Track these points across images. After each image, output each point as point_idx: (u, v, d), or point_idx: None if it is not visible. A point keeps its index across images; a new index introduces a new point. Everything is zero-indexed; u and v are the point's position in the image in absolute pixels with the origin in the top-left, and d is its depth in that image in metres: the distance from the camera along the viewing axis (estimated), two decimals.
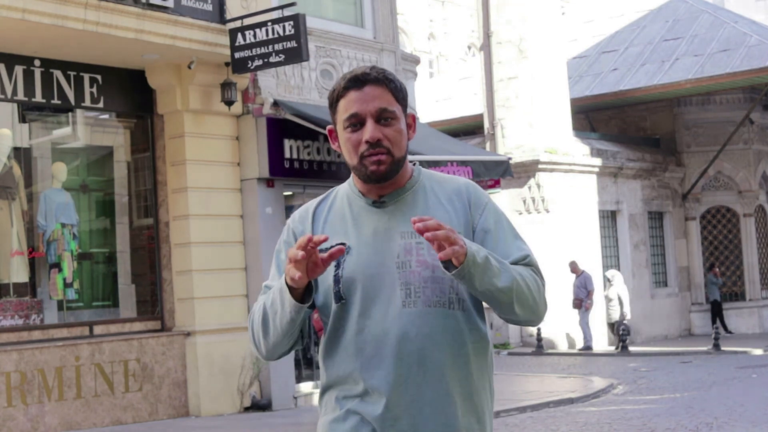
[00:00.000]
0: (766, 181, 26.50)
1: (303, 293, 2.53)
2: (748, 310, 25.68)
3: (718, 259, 25.77)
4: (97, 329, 12.01)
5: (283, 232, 2.79)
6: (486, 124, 23.26)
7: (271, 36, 11.96)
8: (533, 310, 2.61)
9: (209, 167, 12.75)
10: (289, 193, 13.71)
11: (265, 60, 12.03)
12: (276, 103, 13.10)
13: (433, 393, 2.58)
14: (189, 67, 12.23)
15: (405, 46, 37.15)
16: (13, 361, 10.86)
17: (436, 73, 42.96)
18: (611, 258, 23.78)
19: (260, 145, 13.01)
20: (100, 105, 12.35)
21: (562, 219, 22.15)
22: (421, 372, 2.57)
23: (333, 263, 2.55)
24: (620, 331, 21.33)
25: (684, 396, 13.47)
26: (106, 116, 13.25)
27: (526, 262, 2.64)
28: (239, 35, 12.09)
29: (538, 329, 21.41)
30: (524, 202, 22.30)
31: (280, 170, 13.09)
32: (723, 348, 20.28)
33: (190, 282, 12.51)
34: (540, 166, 22.09)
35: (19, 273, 11.73)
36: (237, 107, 12.88)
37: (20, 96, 11.44)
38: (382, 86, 2.62)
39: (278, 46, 11.95)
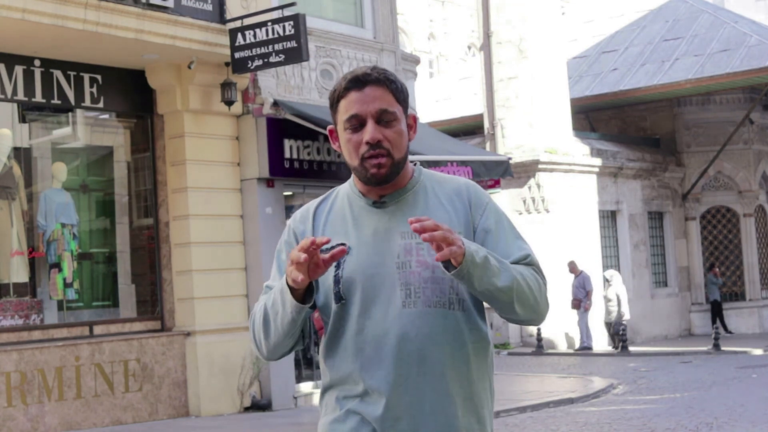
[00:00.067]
0: (766, 181, 26.50)
1: (304, 294, 2.53)
2: (748, 310, 25.68)
3: (718, 259, 25.77)
4: (97, 329, 12.01)
5: (284, 233, 2.79)
6: (486, 124, 23.26)
7: (271, 36, 11.96)
8: (534, 310, 2.60)
9: (209, 167, 12.75)
10: (289, 193, 13.71)
11: (265, 60, 12.04)
12: (276, 103, 13.10)
13: (433, 393, 2.58)
14: (189, 67, 12.23)
15: (405, 46, 37.15)
16: (13, 361, 10.86)
17: (436, 73, 42.97)
18: (611, 258, 23.78)
19: (260, 145, 13.01)
20: (100, 105, 12.35)
21: (562, 219, 22.15)
22: (421, 372, 2.57)
23: (329, 267, 2.55)
24: (620, 331, 21.34)
25: (684, 396, 13.47)
26: (106, 116, 13.25)
27: (527, 261, 2.64)
28: (239, 35, 12.09)
29: (538, 329, 21.42)
30: (524, 202, 22.30)
31: (280, 170, 13.09)
32: (723, 348, 20.29)
33: (190, 282, 12.51)
34: (540, 166, 22.09)
35: (19, 273, 11.73)
36: (237, 107, 12.88)
37: (20, 96, 11.44)
38: (383, 87, 2.62)
39: (278, 46, 11.95)
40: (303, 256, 2.41)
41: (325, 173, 13.58)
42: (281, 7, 12.38)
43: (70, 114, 12.79)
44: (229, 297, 12.76)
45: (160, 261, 12.74)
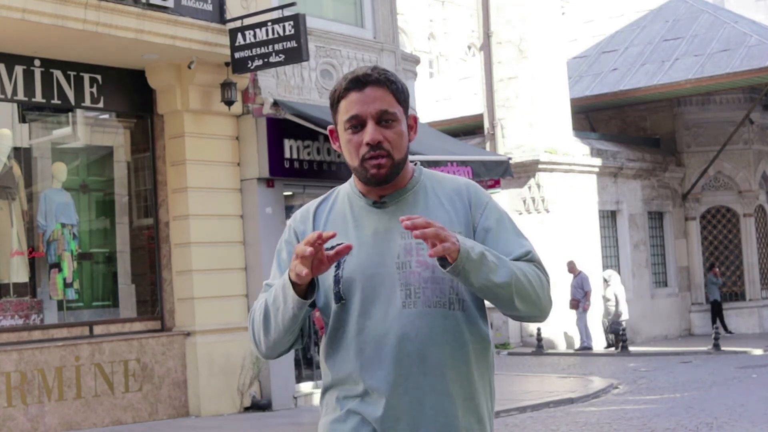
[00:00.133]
0: (766, 181, 26.50)
1: (306, 289, 2.53)
2: (748, 310, 25.68)
3: (718, 259, 25.77)
4: (97, 329, 12.01)
5: (285, 232, 2.80)
6: (486, 124, 23.26)
7: (271, 36, 11.96)
8: (536, 305, 2.59)
9: (209, 167, 12.75)
10: (289, 193, 13.71)
11: (265, 60, 12.04)
12: (276, 103, 13.10)
13: (433, 393, 2.58)
14: (189, 67, 12.23)
15: (405, 46, 37.15)
16: (13, 361, 10.86)
17: (436, 73, 42.97)
18: (611, 258, 23.78)
19: (260, 145, 13.01)
20: (100, 105, 12.35)
21: (562, 219, 22.15)
22: (421, 372, 2.57)
23: (333, 264, 2.55)
24: (619, 331, 21.36)
25: (684, 396, 13.47)
26: (106, 116, 13.25)
27: (529, 258, 2.63)
28: (239, 35, 12.09)
29: (538, 329, 21.43)
30: (524, 202, 22.31)
31: (280, 170, 13.09)
32: (723, 348, 20.29)
33: (190, 282, 12.51)
34: (540, 166, 22.09)
35: (19, 273, 11.73)
36: (237, 107, 12.88)
37: (20, 96, 11.44)
38: (384, 87, 2.62)
39: (278, 46, 11.95)
40: (309, 249, 2.41)
41: (325, 173, 13.58)
42: (281, 7, 12.38)
43: (70, 114, 12.79)
44: (229, 297, 12.76)
45: (160, 261, 12.74)
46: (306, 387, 13.45)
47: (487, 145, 22.85)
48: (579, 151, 23.11)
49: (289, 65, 12.79)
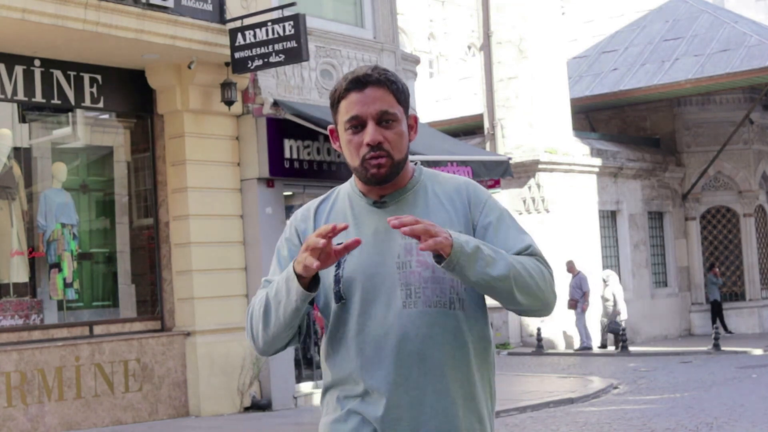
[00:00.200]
0: (766, 181, 26.50)
1: (309, 282, 2.52)
2: (748, 310, 25.68)
3: (718, 259, 25.77)
4: (97, 329, 12.01)
5: (286, 230, 2.80)
6: (486, 124, 23.26)
7: (271, 36, 11.96)
8: (538, 298, 2.58)
9: (209, 167, 12.75)
10: (289, 193, 13.71)
11: (265, 60, 12.04)
12: (276, 103, 13.10)
13: (433, 393, 2.58)
14: (189, 67, 12.23)
15: (405, 46, 37.15)
16: (13, 361, 10.86)
17: (436, 73, 42.97)
18: (611, 258, 23.78)
19: (260, 145, 13.01)
20: (100, 105, 12.35)
21: (562, 219, 22.15)
22: (422, 372, 2.57)
23: (340, 258, 2.54)
24: (620, 332, 21.37)
25: (684, 396, 13.47)
26: (106, 116, 13.25)
27: (530, 252, 2.62)
28: (239, 35, 12.09)
29: (538, 329, 21.43)
30: (524, 202, 22.31)
31: (280, 170, 13.09)
32: (723, 348, 20.28)
33: (190, 282, 12.51)
34: (540, 166, 22.09)
35: (19, 273, 11.73)
36: (237, 107, 12.88)
37: (20, 96, 11.44)
38: (384, 88, 2.62)
39: (278, 46, 11.95)
40: (322, 241, 2.40)
41: (325, 173, 13.58)
42: (281, 7, 12.38)
43: (70, 114, 12.78)
44: (229, 297, 12.76)
45: (160, 261, 12.74)
46: (306, 387, 13.45)
47: (487, 145, 22.85)
48: (579, 151, 23.11)
49: (289, 65, 12.79)
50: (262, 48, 11.99)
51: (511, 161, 16.00)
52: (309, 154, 13.43)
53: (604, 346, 21.83)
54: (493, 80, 22.90)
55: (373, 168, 2.59)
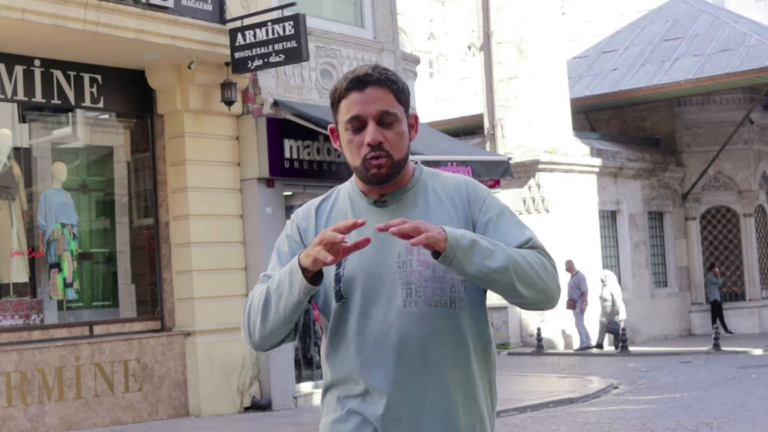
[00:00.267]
0: (766, 181, 26.50)
1: (311, 277, 2.51)
2: (748, 310, 25.68)
3: (718, 259, 25.77)
4: (97, 329, 12.01)
5: (287, 227, 2.79)
6: (486, 124, 23.26)
7: (271, 36, 11.96)
8: (541, 290, 2.56)
9: (209, 167, 12.75)
10: (289, 193, 13.71)
11: (265, 60, 12.04)
12: (276, 103, 13.10)
13: (434, 393, 2.58)
14: (189, 67, 12.23)
15: (405, 46, 37.15)
16: (13, 361, 10.85)
17: (436, 73, 42.97)
18: (611, 258, 23.78)
19: (260, 145, 13.01)
20: (100, 105, 12.35)
21: (562, 219, 22.15)
22: (422, 372, 2.57)
23: (348, 255, 2.53)
24: (619, 332, 21.37)
25: (684, 396, 13.47)
26: (106, 116, 13.25)
27: (531, 245, 2.61)
28: (239, 35, 12.09)
29: (538, 329, 21.44)
30: (524, 202, 22.30)
31: (280, 170, 13.09)
32: (723, 348, 20.29)
33: (190, 282, 12.51)
34: (540, 166, 22.09)
35: (19, 273, 11.73)
36: (237, 107, 12.88)
37: (20, 96, 11.44)
38: (384, 87, 2.61)
39: (278, 46, 11.95)
40: (340, 236, 2.40)
41: (325, 173, 13.58)
42: (281, 7, 12.38)
43: (70, 114, 12.78)
44: (229, 297, 12.76)
45: (160, 261, 12.74)
46: (306, 387, 13.45)
47: (487, 145, 22.85)
48: (579, 151, 23.11)
49: (289, 65, 12.79)
50: (262, 48, 11.99)
51: (511, 161, 16.00)
52: (309, 154, 13.43)
53: (600, 346, 21.81)
54: (493, 80, 22.90)
55: (374, 168, 2.59)
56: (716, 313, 24.85)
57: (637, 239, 24.47)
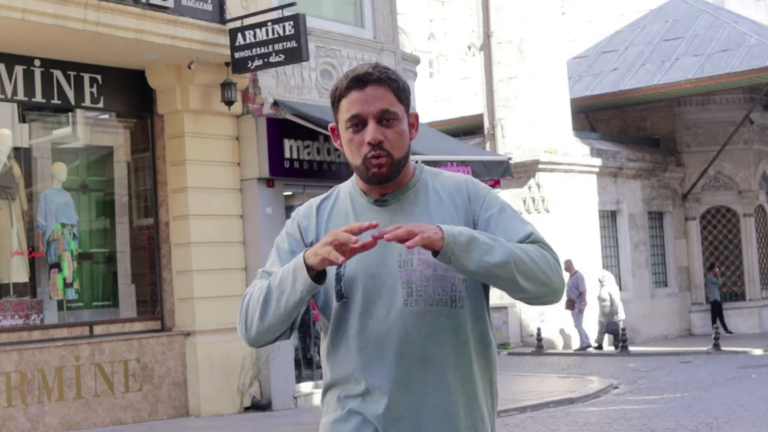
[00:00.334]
0: (766, 181, 26.50)
1: (314, 275, 2.50)
2: (748, 310, 25.68)
3: (718, 259, 25.77)
4: (97, 329, 12.01)
5: (287, 225, 2.79)
6: (486, 124, 23.26)
7: (271, 36, 11.96)
8: (544, 283, 2.55)
9: (209, 167, 12.75)
10: (289, 193, 13.71)
11: (265, 60, 12.03)
12: (276, 103, 13.10)
13: (435, 392, 2.57)
14: (189, 67, 12.23)
15: (405, 46, 37.14)
16: (13, 361, 10.85)
17: (436, 73, 42.97)
18: (611, 258, 23.78)
19: (260, 145, 13.01)
20: (100, 105, 12.35)
21: (562, 219, 22.15)
22: (423, 371, 2.57)
23: (353, 255, 2.53)
24: (619, 332, 21.37)
25: (684, 396, 13.46)
26: (106, 116, 13.24)
27: (532, 239, 2.61)
28: (239, 35, 12.09)
29: (538, 329, 21.44)
30: (524, 202, 22.30)
31: (280, 170, 13.09)
32: (723, 348, 20.28)
33: (190, 282, 12.51)
34: (540, 166, 22.09)
35: (19, 273, 11.73)
36: (237, 107, 12.88)
37: (20, 96, 11.44)
38: (385, 86, 2.61)
39: (278, 46, 11.95)
40: (354, 237, 2.40)
41: (325, 173, 13.58)
42: (281, 7, 12.38)
43: (70, 114, 12.78)
44: (229, 297, 12.75)
45: (160, 261, 12.74)
46: (306, 387, 13.45)
47: (487, 145, 22.85)
48: (579, 151, 23.10)
49: (289, 65, 12.79)
50: (262, 48, 11.99)
51: (511, 161, 16.00)
52: (309, 154, 13.43)
53: (599, 346, 21.80)
54: (493, 80, 22.90)
55: (374, 167, 2.59)
56: (716, 313, 24.85)
57: (637, 239, 24.47)
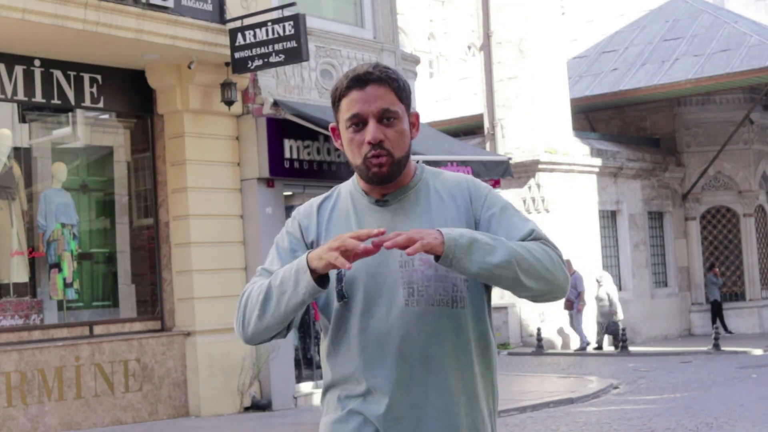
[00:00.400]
0: (766, 181, 26.50)
1: (316, 278, 2.50)
2: (748, 310, 25.68)
3: (718, 259, 25.77)
4: (97, 329, 12.01)
5: (288, 223, 2.78)
6: (486, 124, 23.26)
7: (271, 36, 11.96)
8: (548, 280, 2.54)
9: (209, 167, 12.75)
10: (289, 193, 13.71)
11: (265, 60, 12.03)
12: (276, 103, 13.10)
13: (436, 393, 2.57)
14: (189, 67, 12.23)
15: (405, 46, 37.15)
16: (13, 361, 10.85)
17: (436, 73, 42.97)
18: (611, 258, 23.78)
19: (260, 145, 13.01)
20: (100, 105, 12.35)
21: (562, 219, 22.14)
22: (424, 371, 2.57)
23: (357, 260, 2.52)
24: (619, 332, 21.36)
25: (684, 396, 13.46)
26: (106, 116, 13.24)
27: (533, 236, 2.60)
28: (239, 35, 12.09)
29: (538, 329, 21.44)
30: (524, 202, 22.30)
31: (280, 170, 13.09)
32: (723, 348, 20.28)
33: (190, 282, 12.51)
34: (540, 166, 22.09)
35: (19, 273, 11.73)
36: (237, 107, 12.88)
37: (20, 96, 11.44)
38: (385, 86, 2.61)
39: (278, 46, 11.95)
40: (362, 245, 2.40)
41: (325, 173, 13.58)
42: (281, 7, 12.38)
43: (70, 114, 12.78)
44: (229, 297, 12.74)
45: (160, 261, 12.74)
46: (306, 387, 13.45)
47: (487, 145, 22.84)
48: (579, 151, 23.10)
49: (289, 65, 12.79)
50: (262, 48, 11.99)
51: (511, 161, 15.99)
52: (309, 154, 13.43)
53: (599, 347, 21.78)
54: (493, 80, 22.90)
55: (375, 167, 2.59)
56: (716, 313, 24.85)
57: (637, 239, 24.47)
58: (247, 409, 12.76)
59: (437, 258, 2.46)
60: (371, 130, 2.58)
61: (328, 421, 2.66)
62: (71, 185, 12.62)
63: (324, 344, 2.71)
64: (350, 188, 2.74)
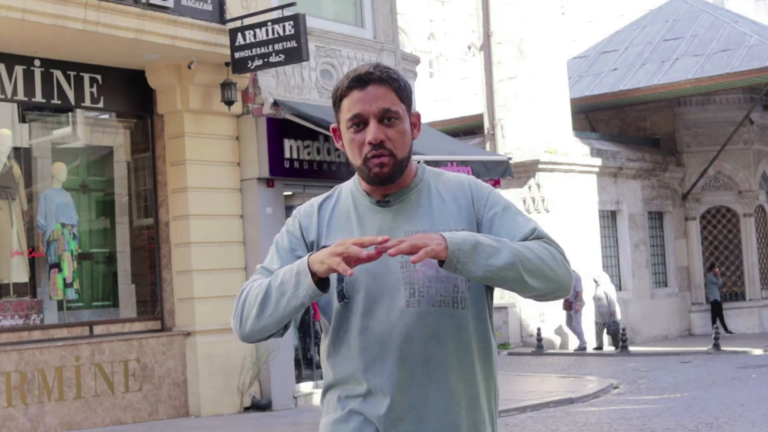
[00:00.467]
0: (766, 181, 26.50)
1: (317, 281, 2.50)
2: (748, 310, 25.68)
3: (718, 259, 25.77)
4: (97, 329, 12.01)
5: (288, 222, 2.78)
6: (486, 124, 23.26)
7: (271, 36, 11.95)
8: (552, 280, 2.54)
9: (209, 167, 12.75)
10: (289, 193, 13.71)
11: (265, 60, 12.03)
12: (276, 103, 13.10)
13: (437, 393, 2.57)
14: (189, 67, 12.23)
15: (405, 46, 37.15)
16: (13, 361, 10.85)
17: (436, 73, 42.97)
18: (611, 258, 23.78)
19: (260, 145, 13.01)
20: (100, 105, 12.35)
21: (562, 219, 22.14)
22: (425, 372, 2.56)
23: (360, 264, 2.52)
24: (619, 332, 21.36)
25: (684, 396, 13.46)
26: (106, 116, 13.24)
27: (535, 235, 2.60)
28: (239, 35, 12.09)
29: (538, 329, 21.44)
30: (524, 202, 22.30)
31: (280, 170, 13.09)
32: (723, 348, 20.28)
33: (190, 282, 12.51)
34: (540, 166, 22.09)
35: (19, 273, 11.73)
36: (237, 107, 12.88)
37: (20, 96, 11.44)
38: (386, 86, 2.61)
39: (278, 46, 11.95)
40: (365, 253, 2.40)
41: (325, 173, 13.58)
42: (281, 7, 12.38)
43: (70, 114, 12.78)
44: (229, 297, 12.73)
45: (160, 261, 12.74)
46: (306, 387, 13.45)
47: (487, 145, 22.84)
48: (579, 151, 23.10)
49: (289, 65, 12.78)
50: (262, 48, 11.98)
51: (511, 161, 15.99)
52: (309, 154, 13.43)
53: (599, 347, 21.77)
54: (493, 80, 22.90)
55: (376, 167, 2.59)
56: (716, 313, 24.85)
57: (637, 239, 24.47)
58: (247, 409, 12.76)
59: (441, 263, 2.45)
60: (372, 130, 2.57)
61: (328, 421, 2.66)
62: (71, 185, 12.61)
63: (324, 344, 2.71)
64: (351, 188, 2.73)
